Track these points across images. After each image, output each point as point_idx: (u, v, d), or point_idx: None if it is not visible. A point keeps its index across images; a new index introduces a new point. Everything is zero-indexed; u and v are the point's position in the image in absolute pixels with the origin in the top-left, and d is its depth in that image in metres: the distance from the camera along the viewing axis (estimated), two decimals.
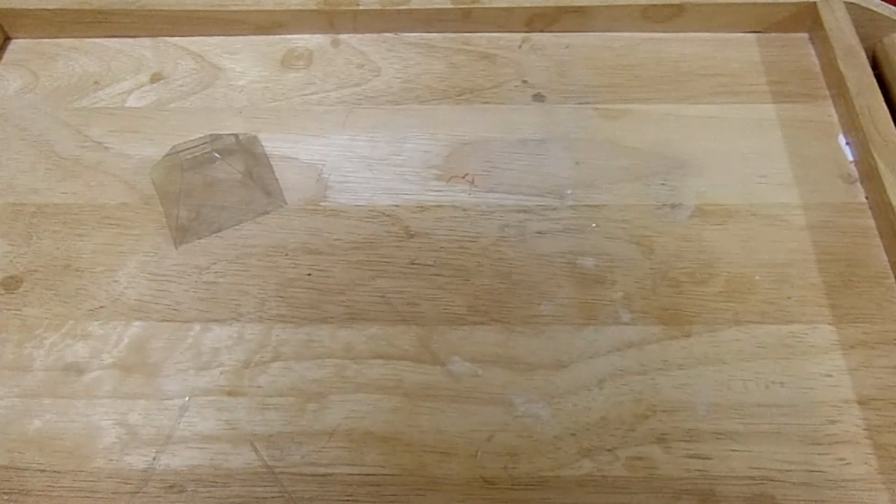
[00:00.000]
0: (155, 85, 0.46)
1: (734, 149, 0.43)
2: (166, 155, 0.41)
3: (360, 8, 0.47)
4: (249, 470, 0.33)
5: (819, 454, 0.33)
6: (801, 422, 0.33)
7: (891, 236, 0.38)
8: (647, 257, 0.39)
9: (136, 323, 0.37)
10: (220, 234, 0.39)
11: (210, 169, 0.41)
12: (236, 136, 0.41)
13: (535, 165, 0.42)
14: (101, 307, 0.37)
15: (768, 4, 0.47)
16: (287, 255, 0.39)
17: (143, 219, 0.40)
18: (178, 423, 0.34)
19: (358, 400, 0.34)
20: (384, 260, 0.39)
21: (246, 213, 0.39)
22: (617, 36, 0.48)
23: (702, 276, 0.38)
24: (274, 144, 0.43)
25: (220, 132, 0.42)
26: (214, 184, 0.40)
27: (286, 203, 0.40)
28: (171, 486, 0.32)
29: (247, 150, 0.41)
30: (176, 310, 0.37)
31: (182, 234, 0.39)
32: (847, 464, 0.32)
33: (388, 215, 0.40)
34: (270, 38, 0.48)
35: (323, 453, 0.33)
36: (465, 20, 0.48)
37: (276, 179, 0.41)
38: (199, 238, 0.39)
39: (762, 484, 0.32)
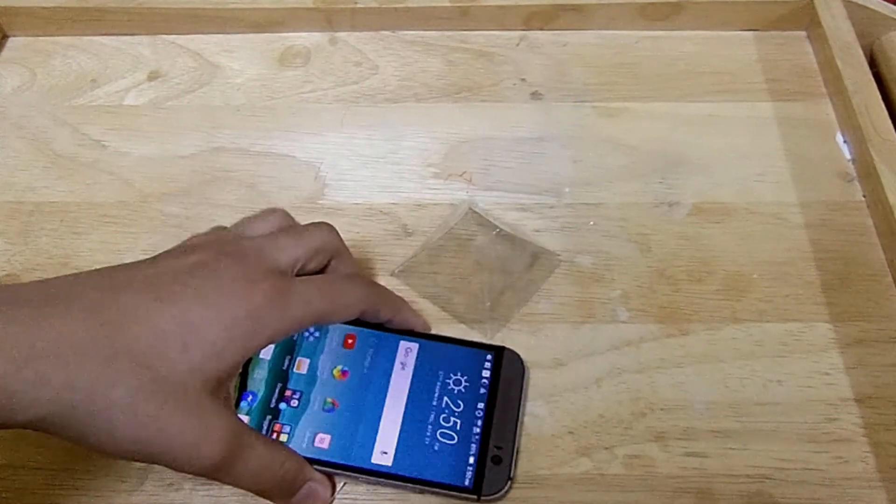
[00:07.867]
0: (152, 83, 0.46)
1: (732, 147, 0.43)
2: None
3: (358, 6, 0.47)
4: None
5: (816, 452, 0.33)
6: (798, 420, 0.33)
7: (888, 234, 0.38)
8: (645, 255, 0.39)
9: None
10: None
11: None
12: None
13: (533, 164, 0.42)
14: None
15: (766, 2, 0.47)
16: None
17: (141, 217, 0.40)
18: None
19: None
20: (382, 258, 0.39)
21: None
22: (615, 34, 0.48)
23: (699, 274, 0.38)
24: (271, 142, 0.43)
25: (219, 131, 0.42)
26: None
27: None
28: (169, 485, 0.32)
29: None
30: None
31: (494, 324, 0.36)
32: (844, 462, 0.32)
33: (385, 213, 0.40)
34: (268, 36, 0.48)
35: None
36: (463, 18, 0.47)
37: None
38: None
39: (760, 482, 0.32)
